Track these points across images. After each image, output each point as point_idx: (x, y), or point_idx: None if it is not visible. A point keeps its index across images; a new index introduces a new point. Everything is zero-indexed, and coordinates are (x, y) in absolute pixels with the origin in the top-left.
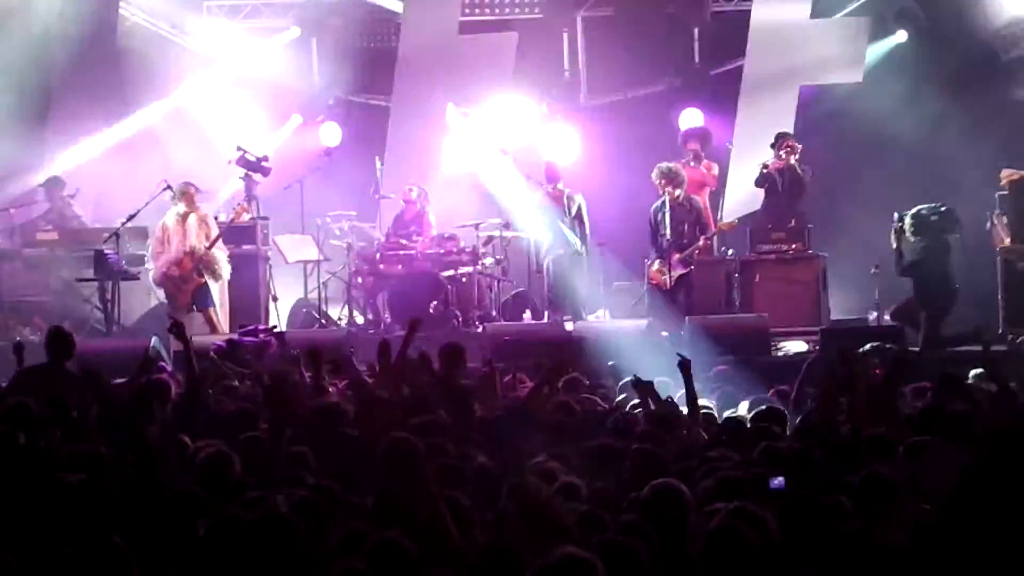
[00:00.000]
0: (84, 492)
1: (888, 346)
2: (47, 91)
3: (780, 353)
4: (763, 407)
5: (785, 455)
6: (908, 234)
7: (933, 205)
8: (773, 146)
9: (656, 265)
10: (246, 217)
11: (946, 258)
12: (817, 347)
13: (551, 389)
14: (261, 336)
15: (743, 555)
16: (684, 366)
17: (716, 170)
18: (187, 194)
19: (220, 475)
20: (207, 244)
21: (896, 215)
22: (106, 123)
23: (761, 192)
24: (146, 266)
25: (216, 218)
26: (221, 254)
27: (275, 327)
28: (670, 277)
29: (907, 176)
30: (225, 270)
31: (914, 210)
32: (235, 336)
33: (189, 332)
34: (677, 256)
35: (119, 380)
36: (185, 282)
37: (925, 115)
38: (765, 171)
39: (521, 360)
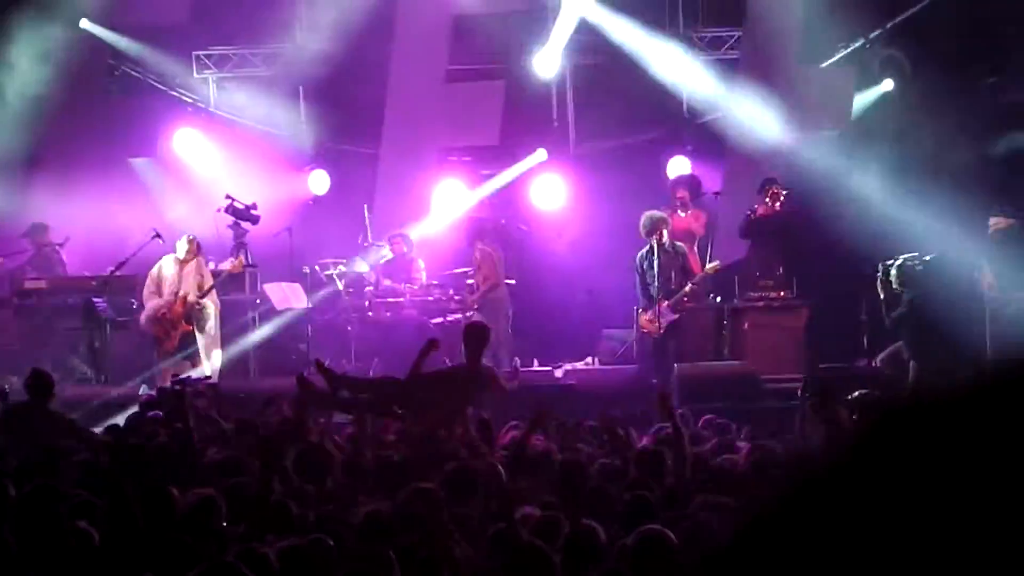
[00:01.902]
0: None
1: (874, 393)
2: (37, 139)
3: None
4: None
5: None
6: (894, 285)
7: (917, 255)
8: (759, 192)
9: (645, 313)
10: (237, 264)
11: (933, 308)
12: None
13: (533, 437)
14: (197, 387)
15: None
16: (662, 399)
17: (704, 218)
18: (193, 242)
19: (206, 523)
20: (199, 293)
21: (880, 265)
22: (96, 172)
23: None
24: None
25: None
26: (211, 306)
27: (209, 378)
28: (660, 325)
29: (895, 223)
30: (211, 323)
31: (899, 260)
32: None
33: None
34: (666, 303)
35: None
36: (174, 327)
37: (913, 163)
38: (751, 218)
39: (511, 406)
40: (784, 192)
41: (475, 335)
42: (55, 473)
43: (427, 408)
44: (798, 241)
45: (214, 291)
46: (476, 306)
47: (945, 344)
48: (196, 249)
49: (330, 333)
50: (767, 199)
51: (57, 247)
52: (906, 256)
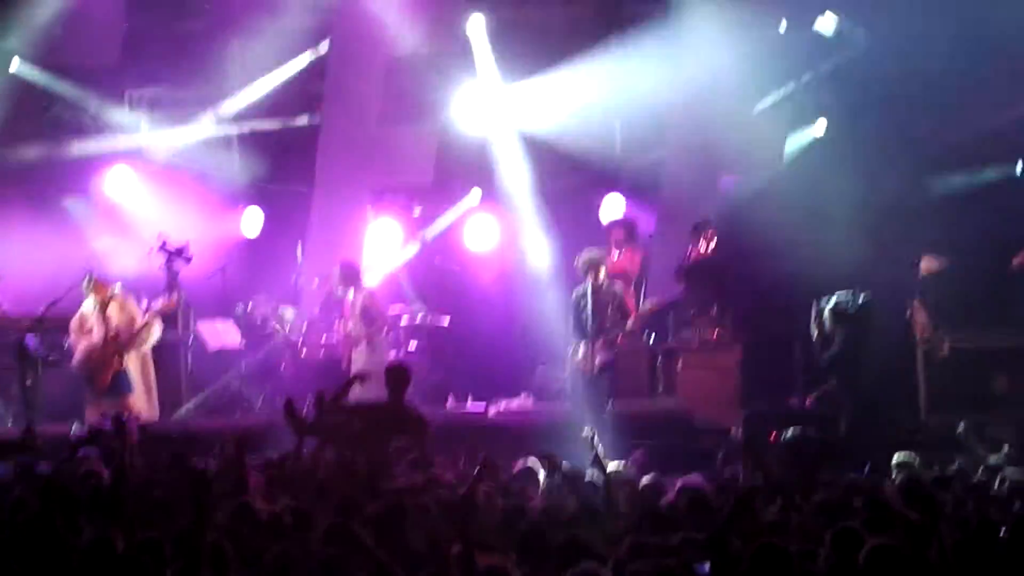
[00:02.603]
0: None
1: (809, 431)
2: None
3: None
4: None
5: (704, 543)
6: (827, 324)
7: (850, 294)
8: (692, 234)
9: (579, 352)
10: (168, 304)
11: (865, 348)
12: (740, 431)
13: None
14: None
15: None
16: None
17: (639, 258)
18: (95, 284)
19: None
20: (137, 326)
21: (814, 304)
22: (29, 211)
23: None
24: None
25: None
26: (156, 327)
27: (137, 416)
28: (593, 364)
29: (827, 262)
30: (152, 338)
31: (832, 301)
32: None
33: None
34: (600, 342)
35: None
36: (105, 367)
37: (843, 202)
38: (686, 261)
39: (447, 446)
40: (716, 234)
41: (396, 375)
42: None
43: (347, 439)
44: (732, 282)
45: (155, 324)
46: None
47: (878, 384)
48: (101, 287)
49: (263, 372)
50: (701, 241)
51: None
52: (840, 294)
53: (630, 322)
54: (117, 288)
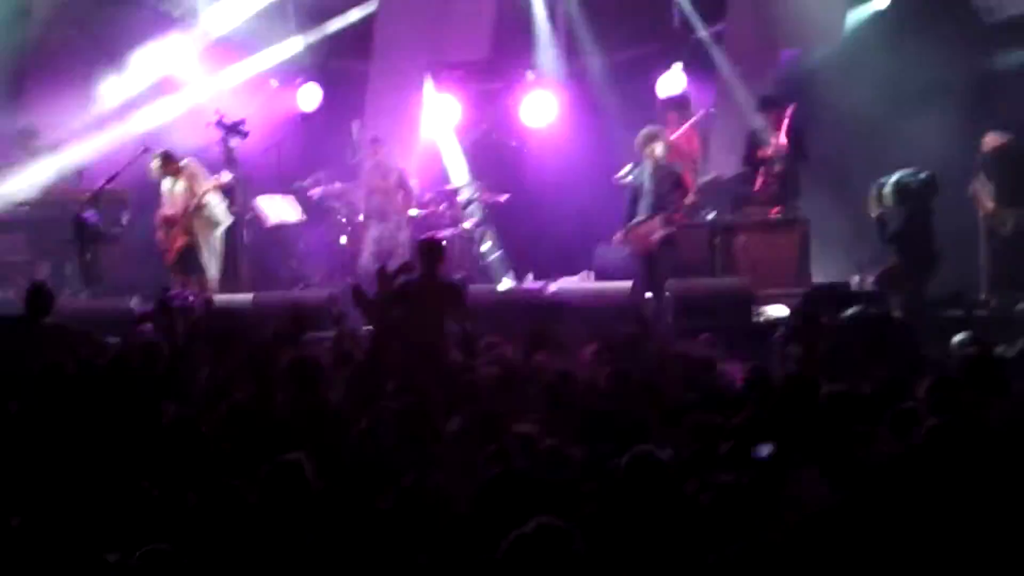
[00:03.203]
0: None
1: (871, 309)
2: (26, 51)
3: (762, 319)
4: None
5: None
6: (890, 201)
7: (913, 171)
8: (761, 111)
9: (639, 229)
10: (225, 178)
11: (929, 224)
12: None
13: (535, 355)
14: (188, 300)
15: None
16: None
17: (696, 137)
18: (164, 161)
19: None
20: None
21: (875, 183)
22: (85, 85)
23: (741, 154)
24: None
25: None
26: (215, 201)
27: (203, 292)
28: (652, 241)
29: (887, 141)
30: (214, 235)
31: (895, 177)
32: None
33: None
34: (659, 219)
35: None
36: (172, 243)
37: (905, 80)
38: (758, 154)
39: (503, 324)
40: (787, 111)
41: (427, 249)
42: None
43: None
44: (798, 160)
45: (220, 204)
46: None
47: (939, 258)
48: (169, 166)
49: (322, 247)
50: (771, 122)
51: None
52: (902, 172)
53: (689, 198)
54: (187, 162)
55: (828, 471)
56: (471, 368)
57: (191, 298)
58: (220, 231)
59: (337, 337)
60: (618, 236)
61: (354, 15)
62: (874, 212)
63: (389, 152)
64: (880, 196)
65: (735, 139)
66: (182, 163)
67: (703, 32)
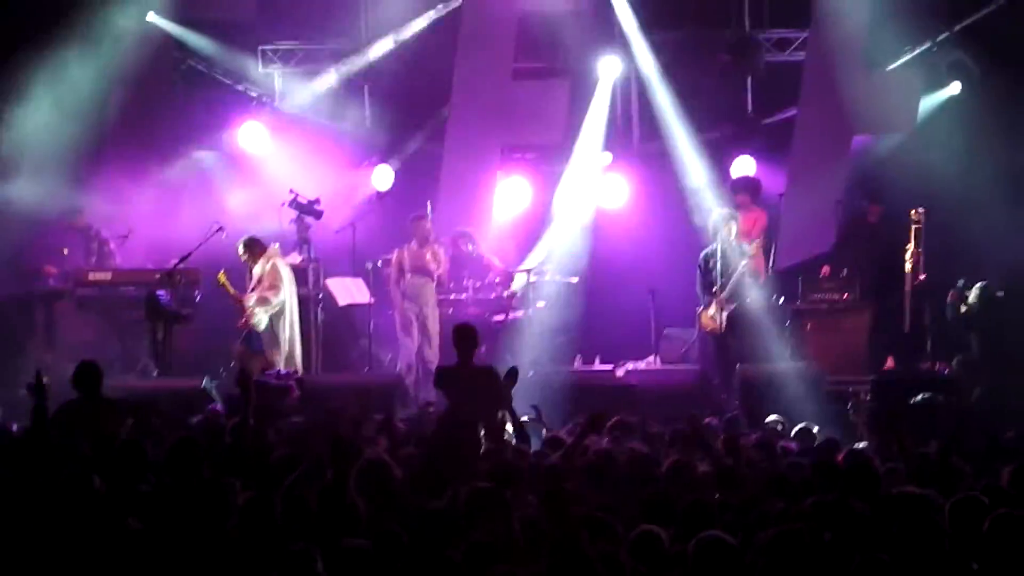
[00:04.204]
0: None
1: (939, 397)
2: (103, 132)
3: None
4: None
5: (833, 509)
6: (974, 303)
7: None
8: (868, 202)
9: (708, 312)
10: (295, 260)
11: (1008, 320)
12: (868, 396)
13: (592, 438)
14: (283, 381)
15: None
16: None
17: (764, 220)
18: (246, 248)
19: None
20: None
21: (960, 282)
22: (160, 164)
23: (810, 241)
24: None
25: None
26: (260, 309)
27: (296, 372)
28: (722, 321)
29: (959, 229)
30: (260, 321)
31: (981, 285)
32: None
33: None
34: (728, 303)
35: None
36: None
37: (979, 167)
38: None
39: (571, 404)
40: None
41: (462, 336)
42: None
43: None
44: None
45: (275, 289)
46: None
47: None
48: (253, 251)
49: (391, 329)
50: (871, 210)
51: (122, 238)
52: (987, 283)
53: (759, 281)
54: (273, 249)
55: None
56: (525, 453)
57: (288, 379)
58: (284, 320)
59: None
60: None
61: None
62: (959, 310)
63: (425, 228)
64: (964, 301)
65: (805, 224)
66: (269, 249)
67: (776, 118)
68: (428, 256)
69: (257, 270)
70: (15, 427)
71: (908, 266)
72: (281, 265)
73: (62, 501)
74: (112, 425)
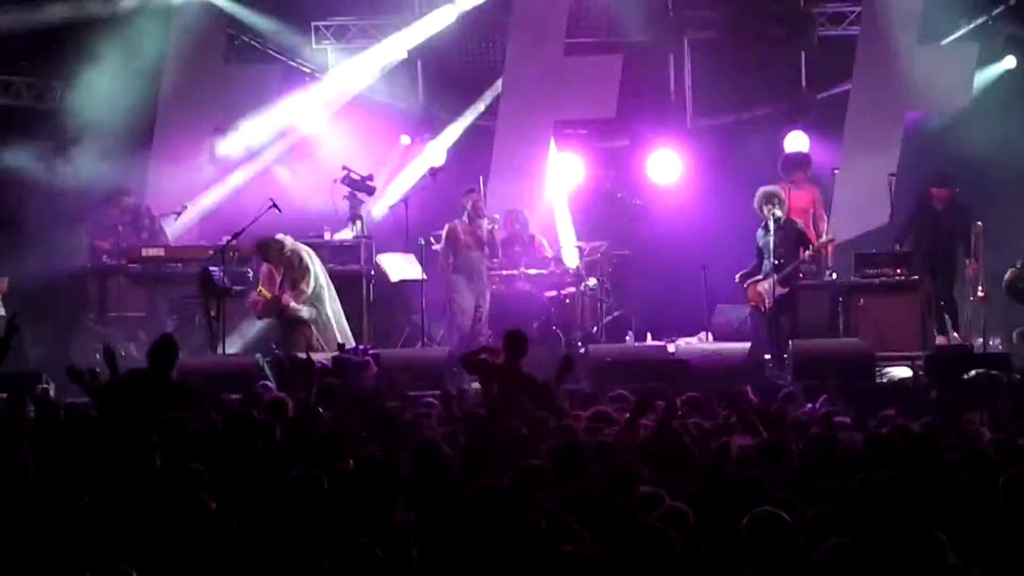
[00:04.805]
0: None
1: (993, 373)
2: (155, 108)
3: (885, 380)
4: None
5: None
6: None
7: None
8: (938, 185)
9: (759, 289)
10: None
11: None
12: (922, 372)
13: (641, 421)
14: (362, 356)
15: None
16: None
17: (816, 195)
18: (259, 252)
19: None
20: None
21: (1019, 262)
22: (212, 141)
23: (864, 216)
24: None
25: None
26: (297, 304)
27: (371, 347)
28: (770, 299)
29: (1014, 203)
30: (305, 311)
31: None
32: (339, 354)
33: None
34: (780, 279)
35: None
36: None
37: None
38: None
39: (623, 380)
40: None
41: (512, 342)
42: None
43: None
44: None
45: (304, 278)
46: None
47: None
48: (268, 251)
49: (443, 305)
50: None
51: (173, 216)
52: None
53: (806, 254)
54: (286, 240)
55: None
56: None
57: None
58: (324, 300)
59: (444, 397)
60: (738, 278)
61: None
62: (1013, 291)
63: (478, 202)
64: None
65: (859, 198)
66: (284, 241)
67: (829, 92)
68: (481, 231)
69: (282, 265)
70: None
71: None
72: (301, 249)
73: (132, 481)
74: (179, 406)
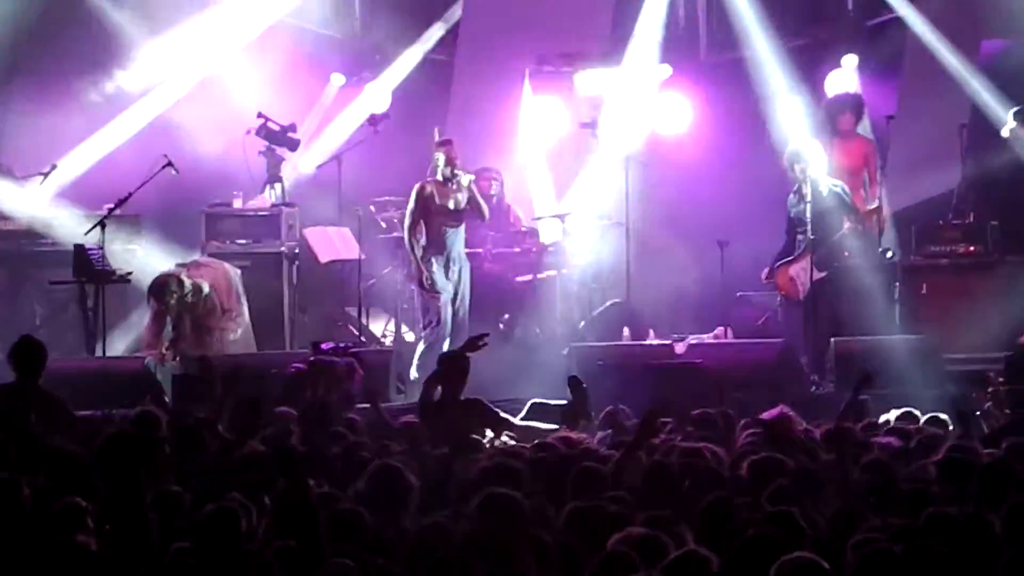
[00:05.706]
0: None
1: None
2: (12, 54)
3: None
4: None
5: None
6: None
7: None
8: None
9: (789, 269)
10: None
11: None
12: (1001, 378)
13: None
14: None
15: None
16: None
17: (871, 149)
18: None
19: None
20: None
21: None
22: (83, 89)
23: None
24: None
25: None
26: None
27: (352, 346)
28: (805, 283)
29: None
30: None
31: None
32: (320, 356)
33: None
34: (819, 258)
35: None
36: None
37: None
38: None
39: (618, 390)
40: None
41: (449, 366)
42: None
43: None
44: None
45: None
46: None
47: None
48: (163, 293)
49: (386, 293)
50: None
51: (40, 175)
52: None
53: (848, 225)
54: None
55: None
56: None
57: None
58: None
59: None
60: (764, 273)
61: None
62: None
63: (453, 156)
64: None
65: (920, 155)
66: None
67: (883, 18)
68: (460, 193)
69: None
70: None
71: None
72: (197, 279)
73: None
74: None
